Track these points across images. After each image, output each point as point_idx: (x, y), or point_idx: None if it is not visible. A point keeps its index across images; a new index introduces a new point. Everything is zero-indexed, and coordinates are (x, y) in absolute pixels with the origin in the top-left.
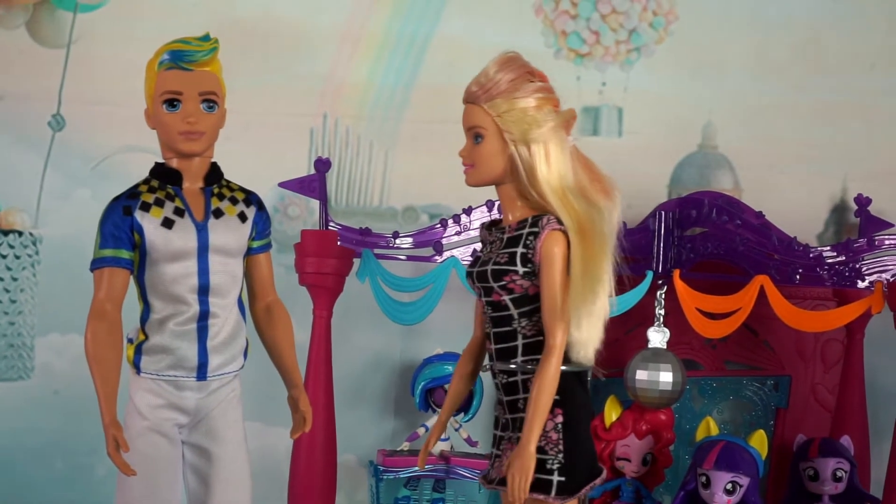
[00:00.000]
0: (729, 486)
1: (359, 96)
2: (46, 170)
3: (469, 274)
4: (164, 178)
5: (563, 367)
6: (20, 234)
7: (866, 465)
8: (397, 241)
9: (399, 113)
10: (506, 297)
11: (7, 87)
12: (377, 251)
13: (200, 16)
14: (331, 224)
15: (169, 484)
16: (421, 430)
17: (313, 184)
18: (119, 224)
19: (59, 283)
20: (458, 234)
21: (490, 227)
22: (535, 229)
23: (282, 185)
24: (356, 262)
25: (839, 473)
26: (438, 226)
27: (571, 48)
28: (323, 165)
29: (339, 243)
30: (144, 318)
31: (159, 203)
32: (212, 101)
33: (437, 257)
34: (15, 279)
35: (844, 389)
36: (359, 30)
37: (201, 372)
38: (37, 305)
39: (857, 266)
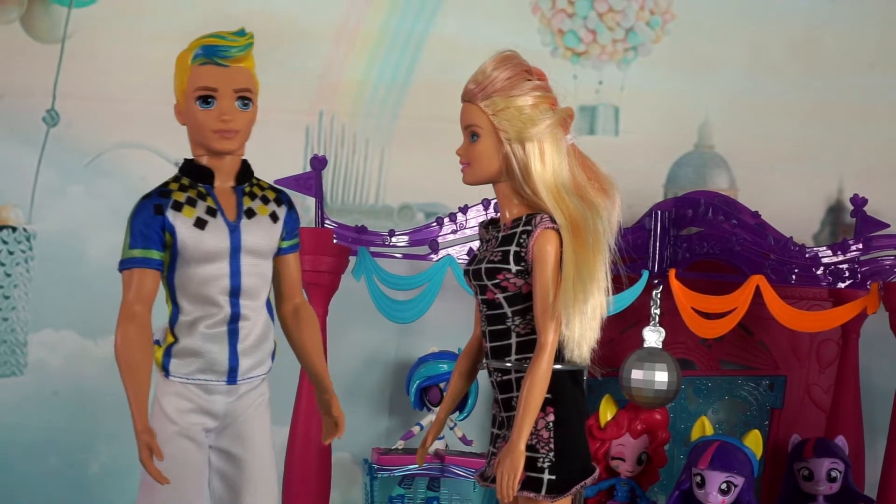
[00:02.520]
0: (724, 486)
1: (354, 94)
2: (41, 165)
3: (465, 272)
4: (196, 176)
5: (556, 366)
6: (14, 229)
7: (861, 466)
8: (393, 239)
9: (395, 111)
10: (500, 296)
11: (1, 83)
12: (373, 249)
13: (195, 12)
14: (326, 222)
15: (196, 490)
16: (416, 429)
17: (309, 181)
18: (150, 223)
19: (52, 279)
20: (453, 232)
21: (488, 225)
22: (529, 228)
23: (277, 182)
24: (352, 259)
25: (834, 474)
26: (434, 224)
27: (568, 47)
28: (319, 163)
29: (334, 241)
30: (173, 320)
31: (191, 202)
32: (247, 99)
33: (432, 256)
34: (8, 275)
35: (839, 389)
36: (354, 27)
37: (231, 376)
38: (30, 301)
39: (853, 266)
